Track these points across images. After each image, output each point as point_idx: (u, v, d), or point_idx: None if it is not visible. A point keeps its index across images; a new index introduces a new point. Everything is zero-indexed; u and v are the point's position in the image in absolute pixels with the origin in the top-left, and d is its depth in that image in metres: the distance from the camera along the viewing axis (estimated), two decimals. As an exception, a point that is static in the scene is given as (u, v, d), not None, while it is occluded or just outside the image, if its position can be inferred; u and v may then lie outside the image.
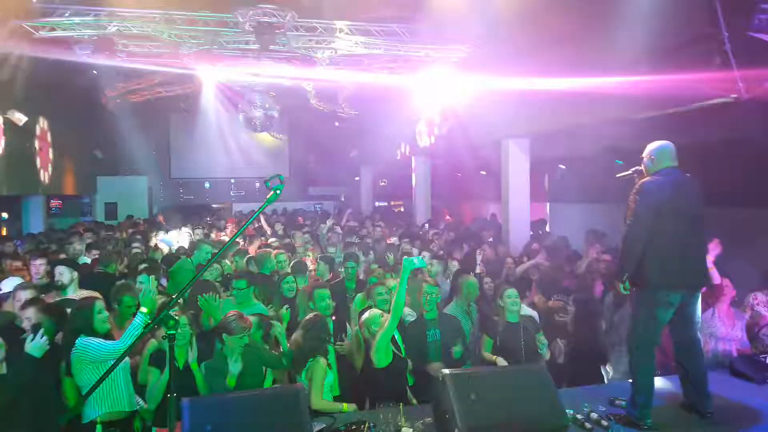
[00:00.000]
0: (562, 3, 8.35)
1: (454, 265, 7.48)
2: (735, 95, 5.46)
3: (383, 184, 23.50)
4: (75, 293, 5.49)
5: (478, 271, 6.98)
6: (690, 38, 6.05)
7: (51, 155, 14.25)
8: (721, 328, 5.17)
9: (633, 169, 4.24)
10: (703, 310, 5.08)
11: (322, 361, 4.36)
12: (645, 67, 6.80)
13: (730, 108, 5.91)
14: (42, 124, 13.62)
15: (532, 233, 10.54)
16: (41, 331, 3.97)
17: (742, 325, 5.27)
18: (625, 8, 7.00)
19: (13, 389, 3.84)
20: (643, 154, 4.13)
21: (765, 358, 4.88)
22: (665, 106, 6.94)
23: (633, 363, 4.01)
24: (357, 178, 22.12)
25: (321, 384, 4.26)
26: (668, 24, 6.52)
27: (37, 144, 13.32)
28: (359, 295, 6.12)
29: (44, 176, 13.97)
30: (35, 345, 3.91)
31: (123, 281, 6.02)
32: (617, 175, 4.41)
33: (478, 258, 7.29)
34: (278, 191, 1.99)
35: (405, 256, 6.18)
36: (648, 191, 3.89)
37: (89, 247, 8.75)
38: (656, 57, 6.63)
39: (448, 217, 16.99)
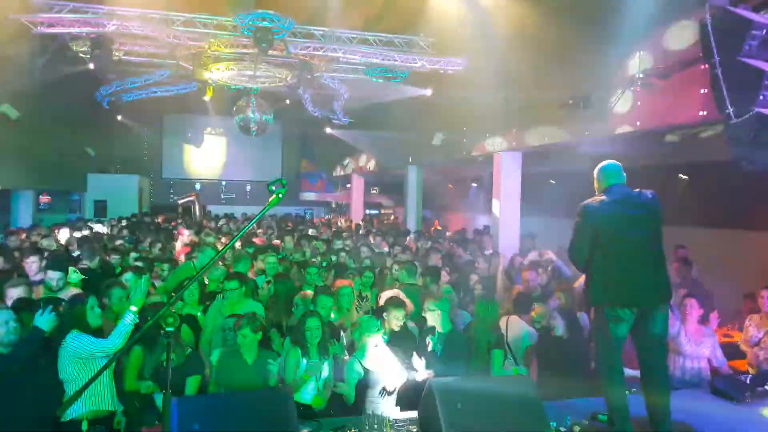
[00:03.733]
0: (557, 21, 8.48)
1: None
2: (724, 119, 5.54)
3: (375, 192, 23.55)
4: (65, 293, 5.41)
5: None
6: (682, 61, 6.16)
7: (42, 150, 14.18)
8: (686, 346, 5.23)
9: None
10: (671, 327, 5.18)
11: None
12: (638, 87, 6.93)
13: (720, 131, 6.01)
14: (34, 118, 13.56)
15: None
16: (50, 306, 3.98)
17: (711, 343, 5.32)
18: (619, 29, 7.14)
19: (18, 362, 3.79)
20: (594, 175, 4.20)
21: (746, 377, 4.93)
22: (656, 126, 7.07)
23: (602, 382, 4.04)
24: (348, 186, 22.14)
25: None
26: (661, 46, 6.66)
27: (28, 139, 13.25)
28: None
29: (34, 171, 13.91)
30: (44, 318, 3.91)
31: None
32: None
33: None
34: (280, 195, 2.02)
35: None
36: (584, 211, 3.95)
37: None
38: (649, 77, 6.75)
39: (438, 227, 17.06)
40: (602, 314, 3.93)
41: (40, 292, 5.47)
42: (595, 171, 4.14)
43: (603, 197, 3.97)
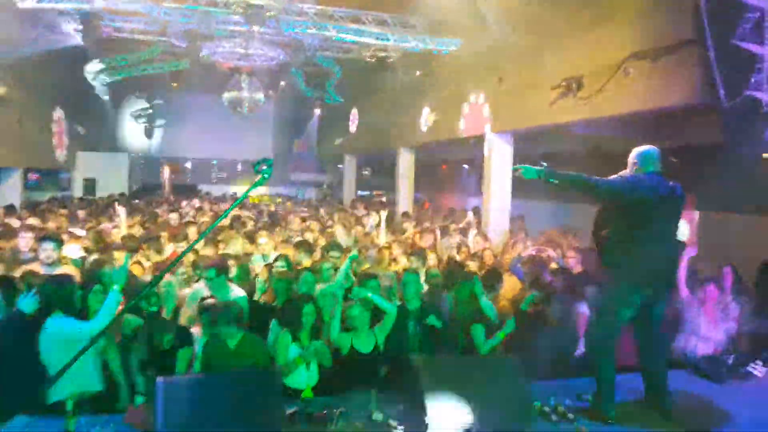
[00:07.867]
0: (552, 3, 8.41)
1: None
2: (716, 101, 5.54)
3: (366, 173, 23.49)
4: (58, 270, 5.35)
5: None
6: (675, 43, 6.13)
7: (30, 128, 13.98)
8: (703, 326, 5.23)
9: None
10: (690, 308, 5.25)
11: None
12: (630, 69, 6.90)
13: (711, 113, 6.01)
14: (22, 95, 13.35)
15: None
16: (34, 289, 3.99)
17: (725, 328, 5.30)
18: (612, 10, 7.09)
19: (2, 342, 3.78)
20: (629, 158, 4.19)
21: (728, 358, 5.00)
22: (648, 109, 7.05)
23: (593, 358, 4.11)
24: (340, 166, 22.04)
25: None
26: (654, 28, 6.62)
27: (15, 116, 13.05)
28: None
29: (22, 149, 13.74)
30: (26, 301, 3.91)
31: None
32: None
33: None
34: (266, 176, 2.01)
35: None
36: (637, 179, 3.98)
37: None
38: (641, 59, 6.72)
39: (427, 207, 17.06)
40: (616, 294, 4.03)
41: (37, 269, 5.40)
42: (636, 154, 4.14)
43: (643, 177, 4.00)
